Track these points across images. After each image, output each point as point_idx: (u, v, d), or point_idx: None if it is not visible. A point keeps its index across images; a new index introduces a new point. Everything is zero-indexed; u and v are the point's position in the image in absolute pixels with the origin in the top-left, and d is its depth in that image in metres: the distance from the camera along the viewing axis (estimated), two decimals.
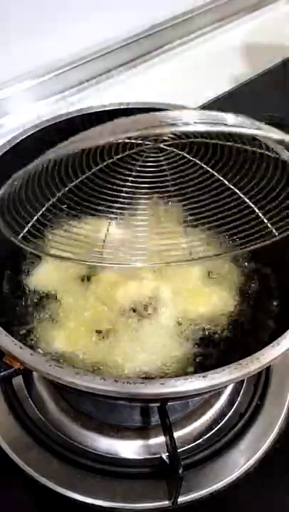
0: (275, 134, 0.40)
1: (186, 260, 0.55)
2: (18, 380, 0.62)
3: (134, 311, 0.55)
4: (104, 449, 0.58)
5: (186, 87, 1.03)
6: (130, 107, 0.63)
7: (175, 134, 0.52)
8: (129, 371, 0.51)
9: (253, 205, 0.53)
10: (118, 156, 0.53)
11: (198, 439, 0.59)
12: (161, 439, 0.57)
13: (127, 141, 0.52)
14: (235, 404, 0.62)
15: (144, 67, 1.13)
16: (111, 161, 0.52)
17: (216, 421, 0.60)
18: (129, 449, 0.58)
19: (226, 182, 0.54)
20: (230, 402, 0.62)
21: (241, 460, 0.57)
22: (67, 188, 0.53)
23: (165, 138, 0.52)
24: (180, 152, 0.54)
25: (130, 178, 0.52)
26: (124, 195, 0.53)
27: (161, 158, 0.53)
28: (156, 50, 1.16)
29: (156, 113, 0.40)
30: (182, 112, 0.40)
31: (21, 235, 0.49)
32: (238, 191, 0.53)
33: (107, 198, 0.52)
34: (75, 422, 0.59)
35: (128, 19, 1.08)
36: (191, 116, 0.39)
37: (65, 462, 0.56)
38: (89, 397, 0.57)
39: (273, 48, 1.19)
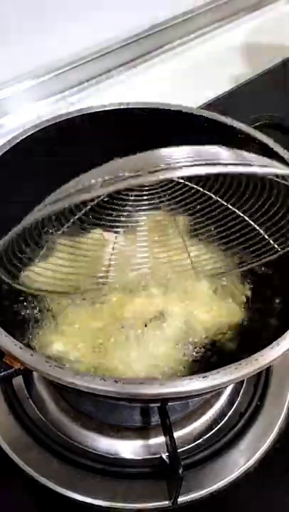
0: (278, 169, 0.38)
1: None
2: (18, 380, 0.62)
3: (137, 322, 0.55)
4: (104, 449, 0.58)
5: (186, 87, 1.03)
6: (130, 107, 0.63)
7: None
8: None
9: (253, 223, 0.54)
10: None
11: (198, 439, 0.59)
12: (161, 439, 0.57)
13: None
14: (235, 405, 0.62)
15: (144, 67, 1.13)
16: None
17: (216, 421, 0.60)
18: (129, 449, 0.58)
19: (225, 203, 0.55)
20: (230, 402, 0.62)
21: (241, 460, 0.57)
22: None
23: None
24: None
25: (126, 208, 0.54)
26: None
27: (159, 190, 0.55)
28: (156, 50, 1.16)
29: (147, 156, 0.37)
30: (173, 153, 0.37)
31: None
32: (236, 210, 0.55)
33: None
34: (75, 422, 0.59)
35: (128, 19, 1.08)
36: (183, 157, 0.36)
37: (65, 462, 0.56)
38: (89, 398, 0.57)
39: (273, 47, 1.19)
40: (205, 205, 0.56)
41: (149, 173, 0.34)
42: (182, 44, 1.20)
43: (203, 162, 0.34)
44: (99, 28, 1.03)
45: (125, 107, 0.63)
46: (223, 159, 0.35)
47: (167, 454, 0.55)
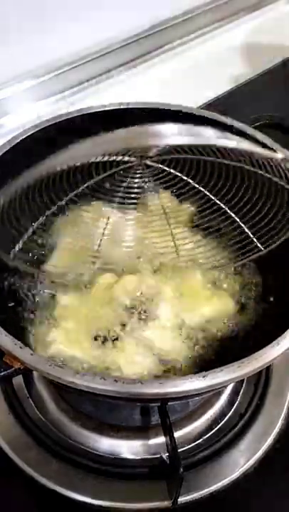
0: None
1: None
2: (18, 380, 0.62)
3: (133, 312, 0.55)
4: (104, 449, 0.58)
5: (186, 87, 1.03)
6: (130, 107, 0.63)
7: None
8: (129, 373, 0.50)
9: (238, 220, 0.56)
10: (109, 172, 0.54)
11: (198, 439, 0.59)
12: (161, 439, 0.57)
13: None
14: (236, 404, 0.62)
15: (144, 67, 1.13)
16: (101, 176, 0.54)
17: (216, 421, 0.60)
18: (129, 449, 0.58)
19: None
20: (231, 402, 0.62)
21: (241, 460, 0.57)
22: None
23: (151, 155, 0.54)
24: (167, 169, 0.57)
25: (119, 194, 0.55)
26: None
27: (147, 174, 0.56)
28: (156, 50, 1.16)
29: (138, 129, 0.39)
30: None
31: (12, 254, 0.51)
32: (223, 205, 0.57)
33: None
34: (75, 422, 0.59)
35: (128, 19, 1.08)
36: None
37: (65, 462, 0.56)
38: (89, 397, 0.57)
39: (273, 47, 1.19)
40: (196, 198, 0.58)
41: None
42: (182, 44, 1.20)
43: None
44: (99, 28, 1.03)
45: (125, 107, 0.63)
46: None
47: (167, 454, 0.55)
